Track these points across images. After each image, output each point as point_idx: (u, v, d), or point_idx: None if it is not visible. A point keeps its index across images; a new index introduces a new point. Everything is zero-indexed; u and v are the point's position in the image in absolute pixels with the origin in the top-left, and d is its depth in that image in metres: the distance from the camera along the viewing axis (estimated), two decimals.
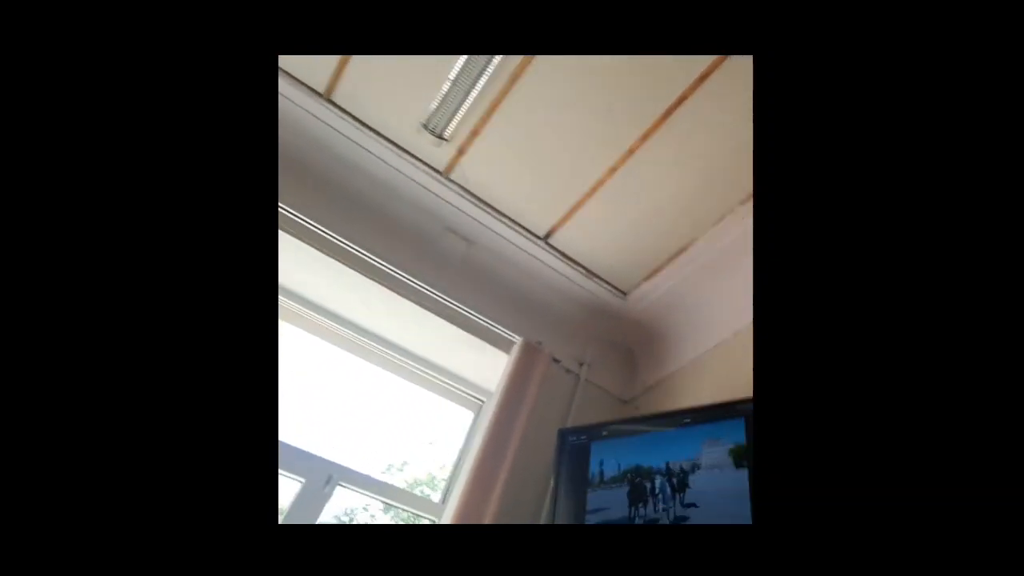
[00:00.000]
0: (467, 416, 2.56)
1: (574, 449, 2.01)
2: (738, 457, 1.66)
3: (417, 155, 2.24)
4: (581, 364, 2.52)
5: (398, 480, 2.41)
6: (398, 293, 2.31)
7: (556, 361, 2.44)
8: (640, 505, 1.76)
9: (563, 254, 2.43)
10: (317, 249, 2.19)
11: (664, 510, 1.70)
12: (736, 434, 1.68)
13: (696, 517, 1.62)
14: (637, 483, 1.81)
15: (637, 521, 1.74)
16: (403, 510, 2.32)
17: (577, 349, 2.54)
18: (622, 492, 1.83)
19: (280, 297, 2.34)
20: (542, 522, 2.09)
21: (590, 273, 2.47)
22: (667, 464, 1.77)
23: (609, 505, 1.81)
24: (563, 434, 2.06)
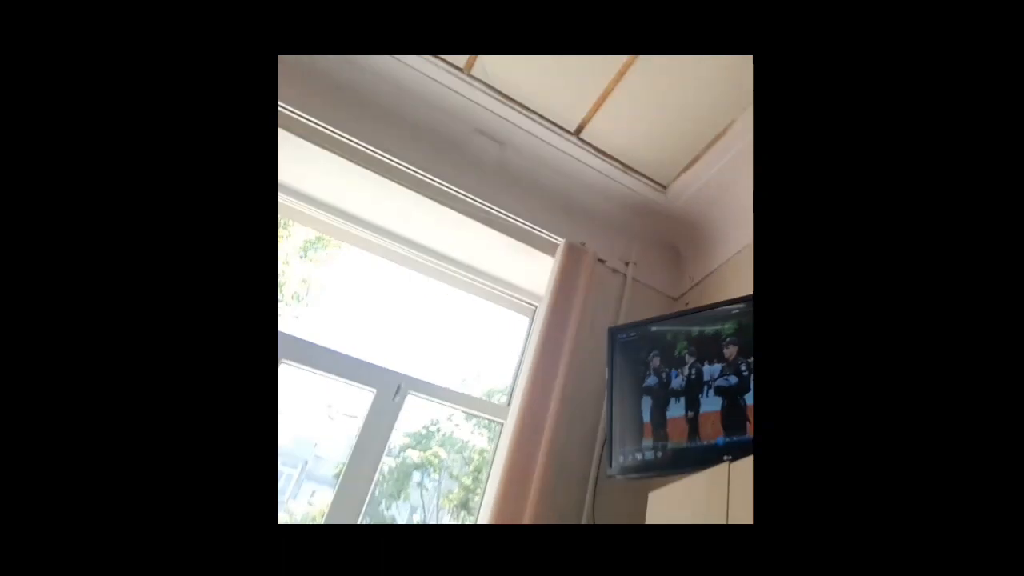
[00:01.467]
0: (523, 322, 2.66)
1: (625, 346, 2.08)
2: None
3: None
4: (627, 263, 2.54)
5: (475, 390, 2.55)
6: (438, 201, 2.35)
7: (601, 261, 2.47)
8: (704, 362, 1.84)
9: (597, 148, 2.40)
10: (355, 163, 2.24)
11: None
12: None
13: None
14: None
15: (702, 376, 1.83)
16: (474, 415, 2.49)
17: (622, 248, 2.56)
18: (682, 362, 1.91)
19: (331, 216, 2.44)
20: (603, 415, 2.21)
21: (626, 167, 2.43)
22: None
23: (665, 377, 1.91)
24: (613, 332, 2.13)
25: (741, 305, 1.86)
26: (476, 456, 2.61)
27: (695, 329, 1.94)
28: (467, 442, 2.64)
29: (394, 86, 2.28)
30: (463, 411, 2.47)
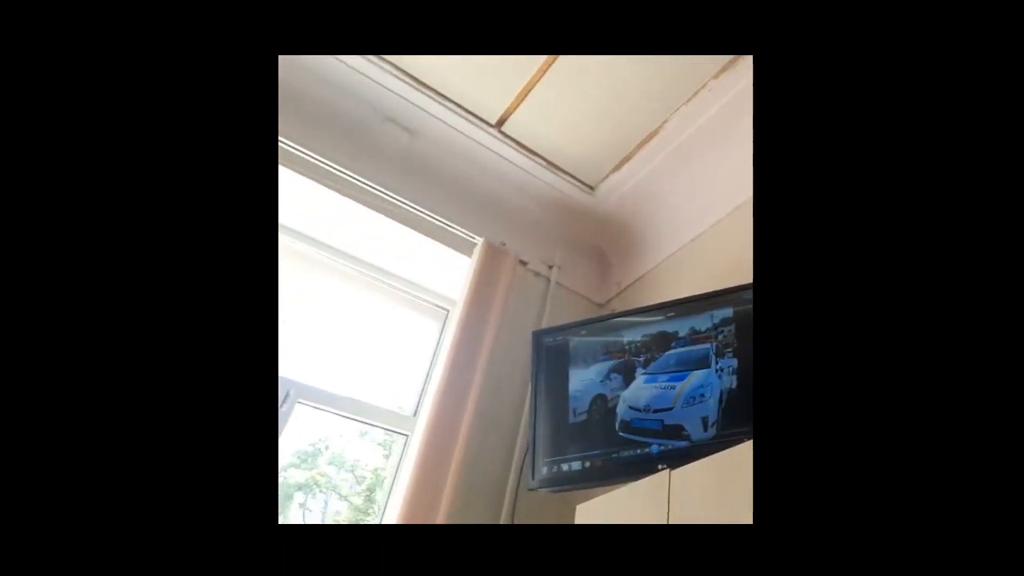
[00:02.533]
0: (433, 328, 2.48)
1: (551, 350, 1.96)
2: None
3: None
4: (551, 267, 2.45)
5: (376, 400, 2.34)
6: (339, 192, 2.15)
7: (523, 263, 2.36)
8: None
9: (520, 144, 2.30)
10: None
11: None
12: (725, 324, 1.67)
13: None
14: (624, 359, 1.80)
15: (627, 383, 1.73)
16: (373, 427, 2.27)
17: (545, 250, 2.47)
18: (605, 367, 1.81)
19: None
20: (523, 425, 2.08)
21: (552, 165, 2.35)
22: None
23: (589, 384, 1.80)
24: (538, 336, 2.02)
25: (676, 308, 1.80)
26: (369, 475, 2.39)
27: (628, 333, 1.85)
28: (359, 460, 2.41)
29: (293, 63, 2.07)
30: (362, 422, 2.24)
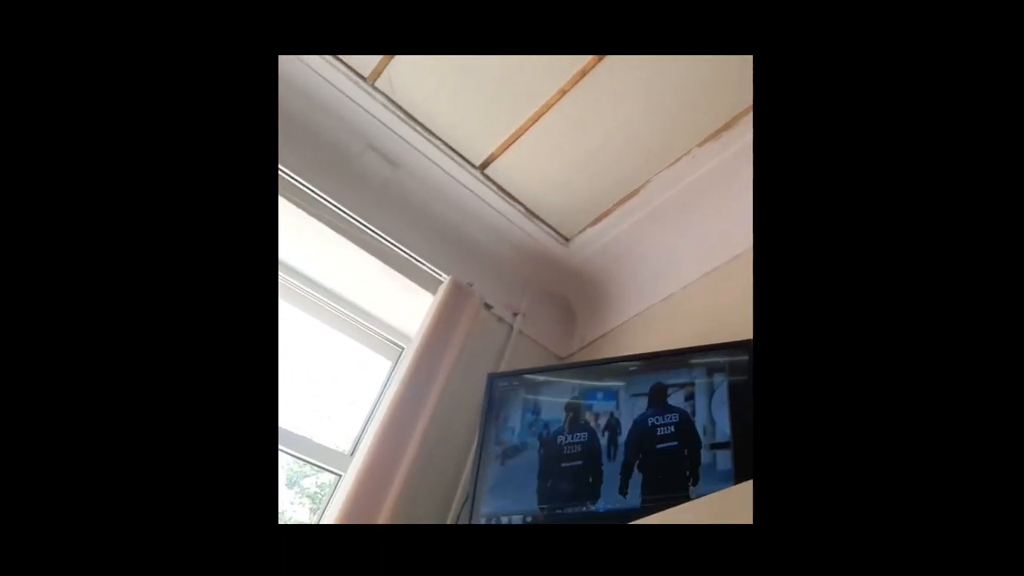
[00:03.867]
0: (384, 365, 2.40)
1: (505, 395, 1.90)
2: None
3: (340, 57, 2.04)
4: (515, 314, 2.41)
5: (327, 440, 2.23)
6: (307, 212, 2.10)
7: (488, 307, 2.32)
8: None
9: (500, 188, 2.30)
10: None
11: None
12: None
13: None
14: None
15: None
16: (303, 460, 2.15)
17: (512, 296, 2.43)
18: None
19: None
20: (465, 473, 1.98)
21: (530, 213, 2.35)
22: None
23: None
24: (492, 379, 1.95)
25: (638, 363, 1.77)
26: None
27: (587, 383, 1.80)
28: (283, 512, 2.26)
29: (280, 79, 2.07)
30: (293, 455, 2.12)
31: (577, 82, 1.93)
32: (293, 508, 2.26)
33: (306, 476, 2.29)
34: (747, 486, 1.11)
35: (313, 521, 2.10)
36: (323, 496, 2.22)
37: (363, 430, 2.21)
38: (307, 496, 2.28)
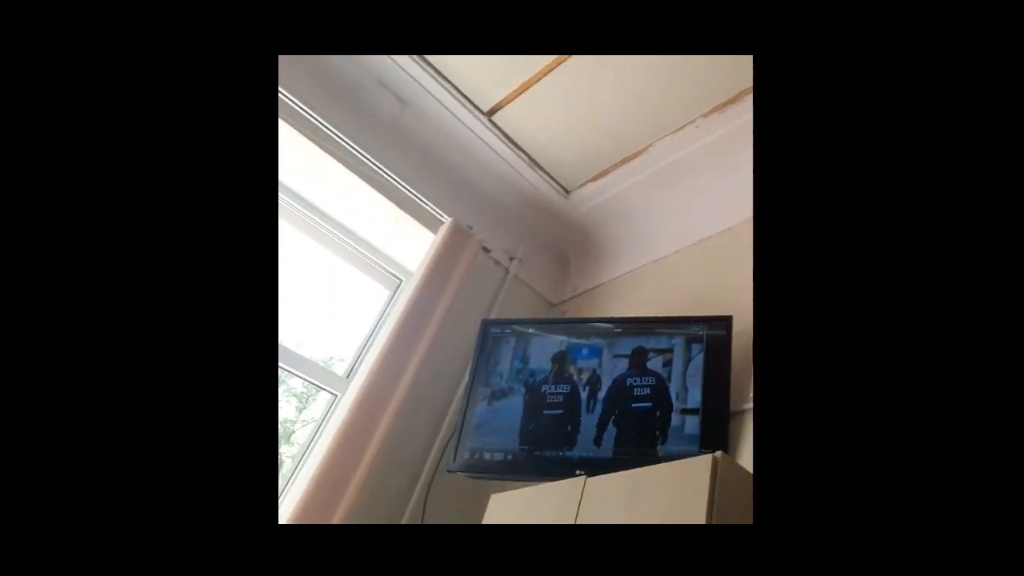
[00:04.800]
0: (382, 293, 2.52)
1: (497, 341, 2.04)
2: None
3: None
4: (511, 258, 2.52)
5: (314, 355, 2.36)
6: (317, 144, 2.16)
7: (486, 250, 2.43)
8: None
9: (507, 136, 2.36)
10: None
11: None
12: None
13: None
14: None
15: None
16: (300, 377, 2.29)
17: (510, 242, 2.54)
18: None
19: None
20: (453, 407, 2.15)
21: (533, 163, 2.42)
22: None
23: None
24: (486, 325, 2.09)
25: (623, 325, 1.91)
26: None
27: (575, 340, 1.95)
28: None
29: None
30: (289, 371, 2.27)
31: None
32: (280, 405, 2.39)
33: (294, 376, 2.43)
34: (708, 458, 1.27)
35: (308, 431, 2.26)
36: (309, 397, 2.38)
37: (360, 355, 2.36)
38: (294, 395, 2.42)
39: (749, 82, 1.95)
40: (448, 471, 1.93)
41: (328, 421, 2.16)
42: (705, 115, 2.08)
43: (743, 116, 2.00)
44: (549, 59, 2.06)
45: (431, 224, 2.37)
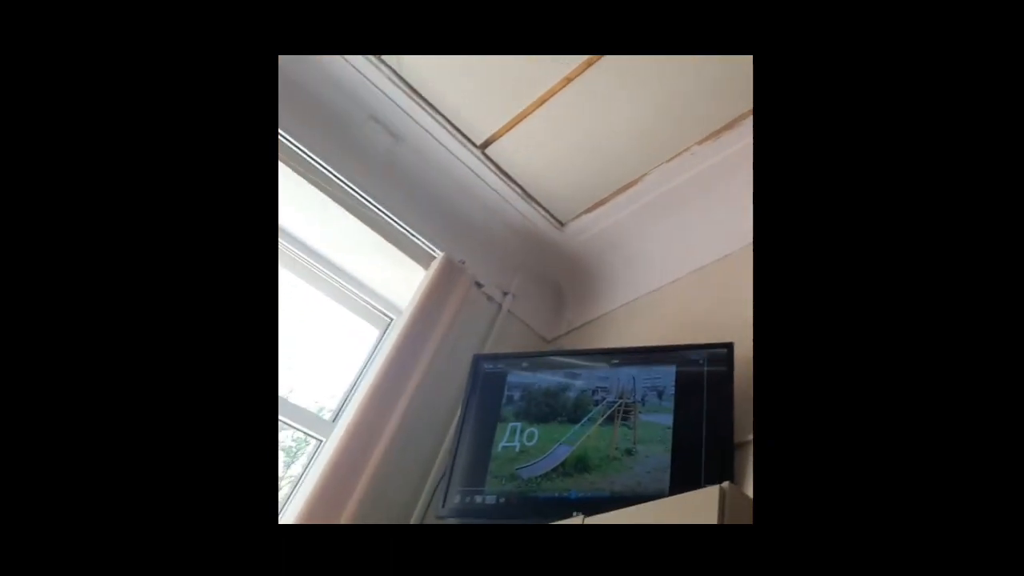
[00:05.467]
0: (372, 334, 2.45)
1: (489, 377, 1.96)
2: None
3: None
4: (505, 293, 2.46)
5: (302, 401, 2.28)
6: (306, 179, 2.12)
7: (478, 285, 2.37)
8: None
9: (500, 169, 2.32)
10: None
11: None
12: (666, 380, 1.70)
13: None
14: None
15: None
16: (285, 423, 2.21)
17: (503, 276, 2.48)
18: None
19: None
20: (443, 449, 2.05)
21: (527, 195, 2.38)
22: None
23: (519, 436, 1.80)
24: (478, 360, 2.02)
25: (620, 356, 1.83)
26: None
27: (569, 374, 1.87)
28: None
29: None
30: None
31: (582, 72, 1.95)
32: None
33: (281, 429, 2.35)
34: (714, 490, 1.18)
35: (291, 479, 2.17)
36: (298, 450, 2.29)
37: (347, 398, 2.27)
38: (281, 449, 2.34)
39: (743, 108, 1.94)
40: (438, 517, 1.82)
41: (311, 468, 2.07)
42: (699, 143, 2.05)
43: (738, 143, 1.97)
44: (542, 90, 2.05)
45: (423, 260, 2.32)
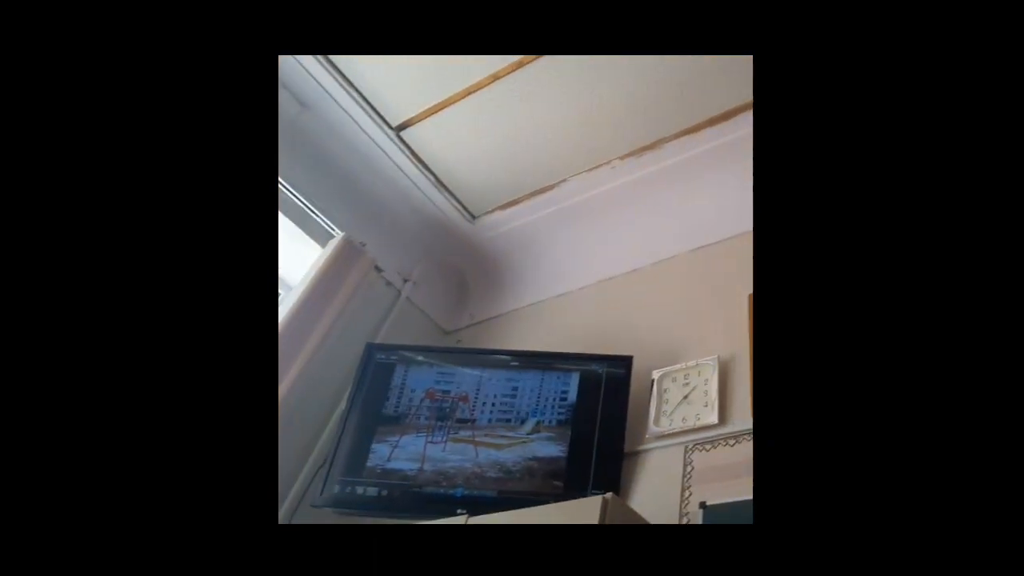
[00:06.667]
0: None
1: (379, 369, 1.91)
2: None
3: None
4: (405, 280, 2.40)
5: None
6: None
7: (378, 270, 2.30)
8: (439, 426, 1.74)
9: (414, 154, 2.27)
10: None
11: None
12: (565, 386, 1.73)
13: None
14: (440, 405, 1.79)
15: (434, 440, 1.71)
16: None
17: (405, 262, 2.42)
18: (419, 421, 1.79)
19: None
20: (320, 443, 1.98)
21: (440, 184, 2.35)
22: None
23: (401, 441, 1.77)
24: (371, 349, 1.96)
25: (520, 359, 1.84)
26: None
27: (463, 377, 1.85)
28: None
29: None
30: None
31: (512, 71, 1.94)
32: None
33: None
34: (597, 499, 1.21)
35: None
36: None
37: None
38: None
39: (668, 131, 2.01)
40: (313, 506, 1.75)
41: None
42: (622, 158, 2.11)
43: (661, 162, 2.05)
44: (468, 83, 2.03)
45: (320, 237, 2.23)
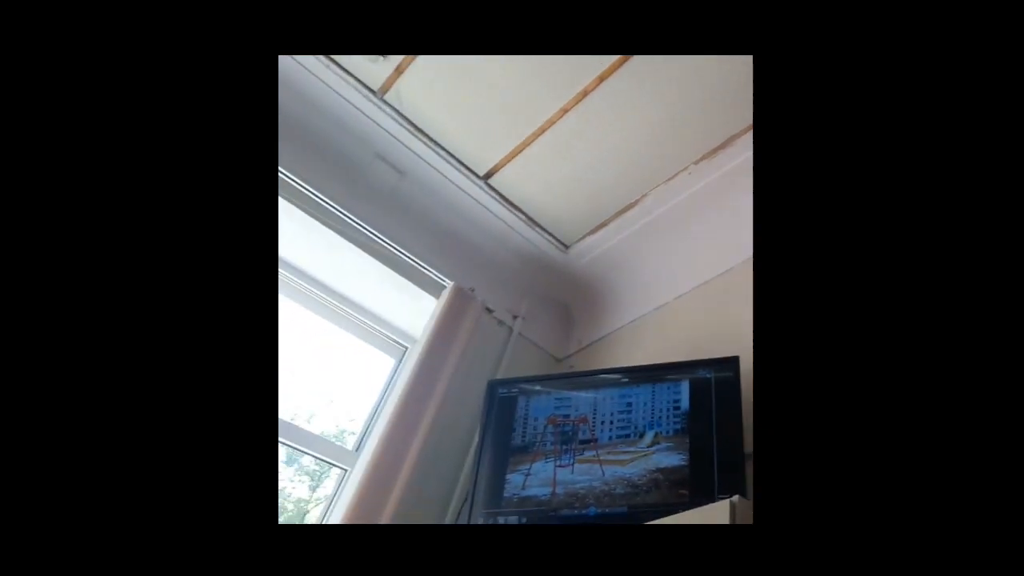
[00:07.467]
0: (388, 363, 2.55)
1: (503, 403, 2.05)
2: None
3: (349, 69, 2.15)
4: (515, 317, 2.55)
5: (319, 429, 2.38)
6: (319, 220, 2.24)
7: (488, 311, 2.47)
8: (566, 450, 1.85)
9: (504, 197, 2.44)
10: None
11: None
12: (676, 395, 1.79)
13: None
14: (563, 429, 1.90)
15: (563, 462, 1.82)
16: (311, 455, 2.31)
17: (512, 300, 2.58)
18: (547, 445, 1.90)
19: None
20: (464, 474, 2.14)
21: (531, 221, 2.49)
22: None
23: (532, 469, 1.89)
24: (492, 385, 2.11)
25: (629, 375, 1.92)
26: (290, 506, 2.41)
27: (579, 399, 1.96)
28: (282, 488, 2.44)
29: (294, 92, 2.20)
30: (298, 449, 2.28)
31: (579, 101, 2.06)
32: (293, 485, 2.43)
33: (305, 458, 2.44)
34: (725, 504, 1.24)
35: (321, 508, 2.26)
36: (322, 474, 2.38)
37: (368, 426, 2.37)
38: (306, 474, 2.44)
39: (738, 127, 2.03)
40: None
41: (339, 497, 2.16)
42: (696, 162, 2.15)
43: (734, 160, 2.06)
44: (541, 121, 2.16)
45: (433, 289, 2.42)
